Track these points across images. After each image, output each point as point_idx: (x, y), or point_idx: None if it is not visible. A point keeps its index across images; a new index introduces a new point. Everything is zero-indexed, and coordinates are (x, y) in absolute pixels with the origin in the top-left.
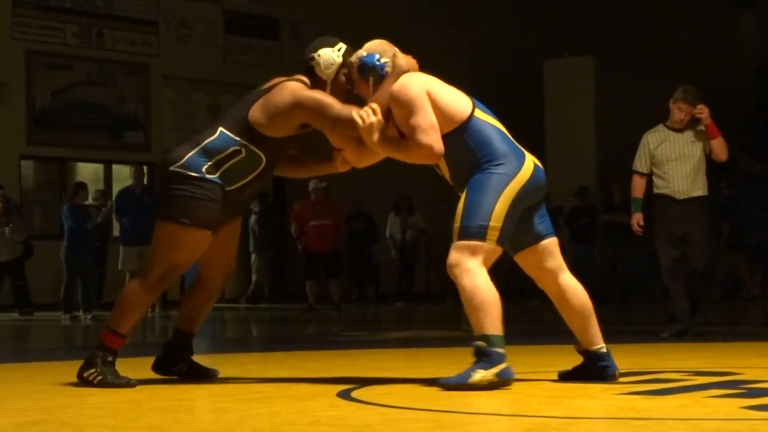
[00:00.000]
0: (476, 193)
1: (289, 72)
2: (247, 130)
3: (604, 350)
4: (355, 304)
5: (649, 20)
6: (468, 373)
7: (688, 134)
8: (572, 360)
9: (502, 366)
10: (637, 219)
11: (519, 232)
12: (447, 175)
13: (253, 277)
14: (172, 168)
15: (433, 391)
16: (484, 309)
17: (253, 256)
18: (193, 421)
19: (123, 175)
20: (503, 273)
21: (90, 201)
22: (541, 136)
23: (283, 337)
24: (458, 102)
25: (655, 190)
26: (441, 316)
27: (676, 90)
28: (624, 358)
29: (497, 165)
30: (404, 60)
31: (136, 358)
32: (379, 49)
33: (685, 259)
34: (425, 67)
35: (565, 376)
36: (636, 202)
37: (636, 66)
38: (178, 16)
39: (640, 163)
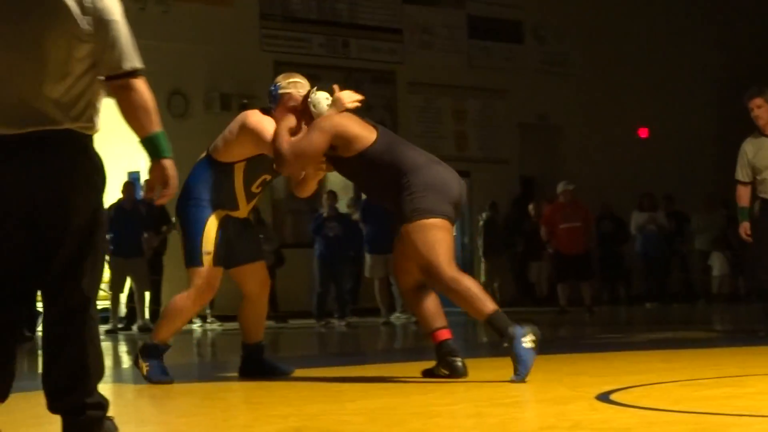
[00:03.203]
0: None
1: (533, 74)
2: None
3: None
4: (606, 305)
5: None
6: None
7: None
8: None
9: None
10: (744, 228)
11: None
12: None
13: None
14: None
15: (693, 393)
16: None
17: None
18: (453, 426)
19: None
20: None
21: (345, 209)
22: None
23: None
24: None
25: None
26: (694, 317)
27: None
28: None
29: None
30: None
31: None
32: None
33: None
34: (679, 74)
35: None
36: (742, 211)
37: None
38: (422, 22)
39: (741, 173)
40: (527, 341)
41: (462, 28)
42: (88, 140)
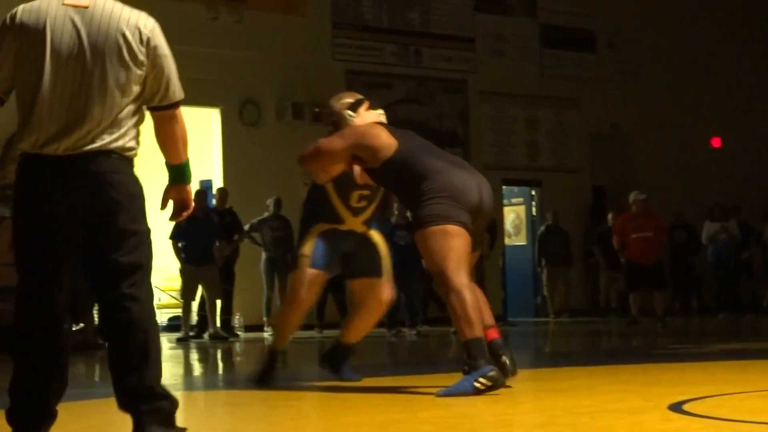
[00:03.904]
0: None
1: (605, 83)
2: None
3: None
4: (678, 316)
5: None
6: None
7: None
8: None
9: None
10: None
11: None
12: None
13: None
14: None
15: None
16: None
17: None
18: None
19: None
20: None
21: None
22: None
23: (608, 350)
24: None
25: None
26: (767, 328)
27: None
28: None
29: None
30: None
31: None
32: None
33: None
34: (753, 83)
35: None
36: None
37: None
38: (494, 31)
39: None
40: (480, 381)
41: (534, 37)
42: (130, 163)
